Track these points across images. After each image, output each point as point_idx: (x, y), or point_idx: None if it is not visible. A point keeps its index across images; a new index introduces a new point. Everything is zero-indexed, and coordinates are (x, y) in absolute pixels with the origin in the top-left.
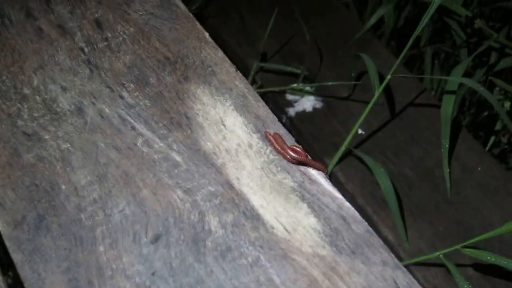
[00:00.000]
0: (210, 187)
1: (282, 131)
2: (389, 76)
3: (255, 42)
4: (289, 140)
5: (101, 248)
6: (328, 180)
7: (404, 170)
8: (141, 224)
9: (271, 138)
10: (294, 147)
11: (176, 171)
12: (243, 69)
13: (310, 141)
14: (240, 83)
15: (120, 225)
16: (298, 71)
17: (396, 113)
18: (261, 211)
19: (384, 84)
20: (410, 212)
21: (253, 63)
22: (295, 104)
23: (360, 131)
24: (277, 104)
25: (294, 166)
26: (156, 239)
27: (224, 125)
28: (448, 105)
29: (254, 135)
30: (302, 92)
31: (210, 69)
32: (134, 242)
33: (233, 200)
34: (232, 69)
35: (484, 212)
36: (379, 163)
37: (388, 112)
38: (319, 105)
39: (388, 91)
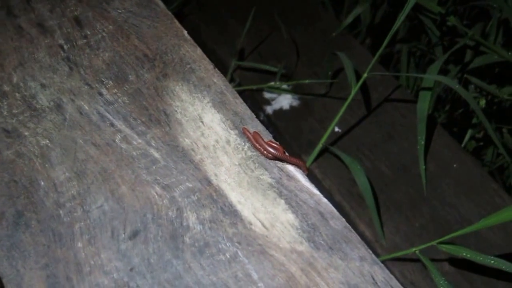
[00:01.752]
0: (188, 183)
1: (260, 128)
2: (365, 74)
3: (233, 40)
4: (267, 137)
5: (80, 244)
6: (306, 177)
7: (381, 167)
8: (119, 220)
9: (249, 134)
10: (272, 143)
11: (154, 167)
12: (222, 67)
13: (288, 139)
14: (218, 80)
15: (99, 221)
16: (276, 69)
17: (372, 110)
18: (239, 207)
19: (360, 82)
20: (386, 208)
21: (231, 61)
22: (273, 102)
23: (336, 129)
24: (255, 101)
25: (272, 163)
26: (134, 235)
27: (202, 122)
28: (424, 102)
29: (232, 132)
30: (280, 90)
31: (188, 66)
32: (113, 238)
33: (211, 196)
34: (210, 66)
35: (460, 209)
36: (355, 160)
37: (365, 110)
38: (296, 103)
39: (364, 89)
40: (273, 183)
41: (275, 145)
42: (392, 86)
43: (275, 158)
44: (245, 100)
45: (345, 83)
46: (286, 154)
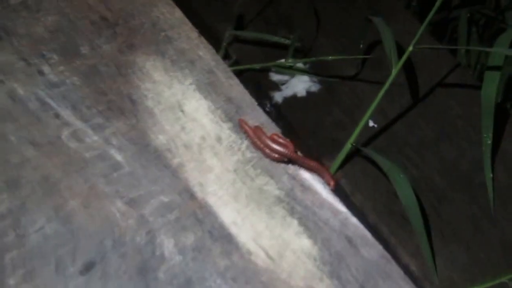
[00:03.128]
0: (163, 197)
1: (264, 119)
2: (410, 48)
3: (229, 2)
4: (272, 131)
5: (12, 281)
6: (327, 188)
7: (432, 175)
8: (67, 248)
9: (247, 129)
10: (279, 139)
11: (115, 174)
12: (211, 38)
13: (303, 137)
14: (206, 53)
15: (38, 249)
16: (287, 41)
17: (420, 98)
18: (233, 229)
19: (404, 59)
20: (439, 232)
21: (226, 30)
22: (283, 87)
23: (371, 123)
24: (258, 86)
25: (279, 167)
26: (87, 268)
27: (182, 111)
28: (491, 87)
29: (225, 125)
30: (293, 71)
31: (163, 34)
32: (57, 273)
33: (195, 214)
34: (194, 34)
35: None
36: (397, 167)
37: (409, 97)
38: (315, 87)
39: (409, 69)
40: (281, 196)
41: (282, 142)
42: (447, 64)
43: (284, 159)
44: (245, 84)
45: (382, 61)
46: (299, 154)
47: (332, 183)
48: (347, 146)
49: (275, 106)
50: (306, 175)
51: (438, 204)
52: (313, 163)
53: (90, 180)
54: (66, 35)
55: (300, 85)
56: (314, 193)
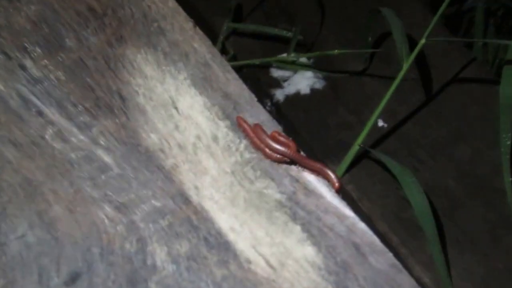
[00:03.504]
0: (155, 202)
1: (264, 117)
2: (423, 40)
3: None
4: (274, 129)
5: None
6: (333, 191)
7: (446, 180)
8: (50, 258)
9: (246, 127)
10: (280, 137)
11: (103, 177)
12: (207, 31)
13: (307, 137)
14: (201, 45)
15: (19, 258)
16: (289, 34)
17: (433, 95)
18: (231, 236)
19: (415, 52)
20: (455, 241)
21: (223, 23)
22: (285, 84)
23: (380, 123)
24: (258, 83)
25: (281, 169)
26: (73, 279)
27: (176, 109)
28: (510, 83)
29: (222, 123)
30: (295, 66)
31: (155, 24)
32: (40, 283)
33: (190, 220)
34: (189, 25)
35: None
36: (408, 170)
37: (422, 94)
38: (319, 84)
39: (422, 63)
40: (283, 200)
41: (284, 141)
42: (462, 59)
43: (285, 160)
44: (243, 80)
45: (392, 55)
46: (303, 154)
47: (337, 185)
48: (354, 148)
49: (276, 104)
50: (310, 178)
51: (453, 211)
52: (316, 164)
53: (76, 183)
54: (50, 26)
55: (303, 81)
56: (319, 196)
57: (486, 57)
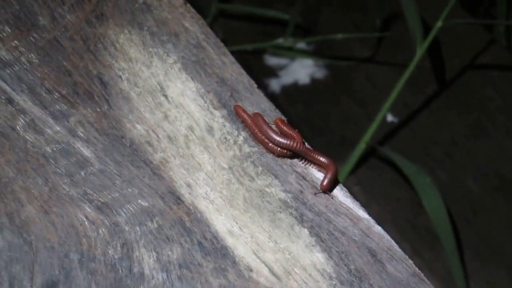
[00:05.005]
0: (142, 201)
1: (266, 105)
2: (440, 23)
3: None
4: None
5: None
6: (345, 189)
7: (466, 180)
8: (23, 264)
9: (246, 117)
10: (283, 127)
11: (82, 173)
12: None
13: (306, 133)
14: (193, 24)
15: None
16: (286, 16)
17: (449, 84)
18: (229, 241)
19: (431, 36)
20: (474, 251)
21: (210, 4)
22: (281, 73)
23: (390, 118)
24: (251, 71)
25: (285, 164)
26: None
27: (165, 96)
28: None
29: (217, 113)
30: (293, 53)
31: (140, 0)
32: None
33: (182, 222)
34: (179, 1)
35: None
36: (423, 170)
37: (437, 84)
38: (321, 73)
39: (437, 49)
40: (288, 200)
41: (288, 131)
42: (482, 42)
43: (290, 154)
44: None
45: (404, 40)
46: (308, 146)
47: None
48: (361, 146)
49: (271, 96)
50: (319, 174)
51: (473, 216)
52: (323, 159)
53: (51, 180)
54: (20, 2)
55: (302, 70)
56: (329, 196)
57: (509, 41)
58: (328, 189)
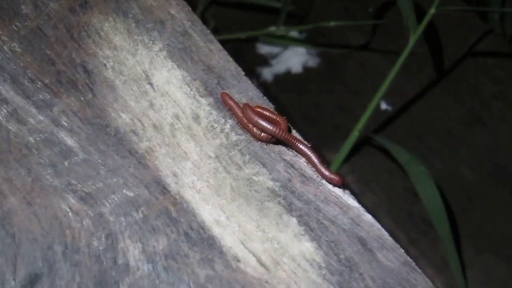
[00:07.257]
0: (127, 191)
1: (253, 93)
2: (433, 10)
3: None
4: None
5: None
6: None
7: (461, 169)
8: (5, 257)
9: (232, 104)
10: (268, 114)
11: (66, 163)
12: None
13: (299, 123)
14: (179, 11)
15: None
16: (278, 4)
17: (445, 73)
18: (216, 231)
19: (425, 23)
20: (471, 240)
21: None
22: (273, 61)
23: (384, 106)
24: (242, 60)
25: (273, 153)
26: (32, 282)
27: (150, 84)
28: None
29: (203, 100)
30: (285, 41)
31: None
32: None
33: (168, 212)
34: None
35: None
36: (417, 158)
37: (432, 71)
38: (313, 62)
39: (431, 36)
40: (276, 188)
41: (273, 117)
42: (477, 31)
43: (276, 141)
44: None
45: (397, 27)
46: (295, 135)
47: (336, 179)
48: (354, 134)
49: (264, 84)
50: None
51: (468, 204)
52: (307, 150)
53: (34, 170)
54: None
55: (294, 58)
56: (318, 184)
57: (504, 29)
58: (337, 175)
